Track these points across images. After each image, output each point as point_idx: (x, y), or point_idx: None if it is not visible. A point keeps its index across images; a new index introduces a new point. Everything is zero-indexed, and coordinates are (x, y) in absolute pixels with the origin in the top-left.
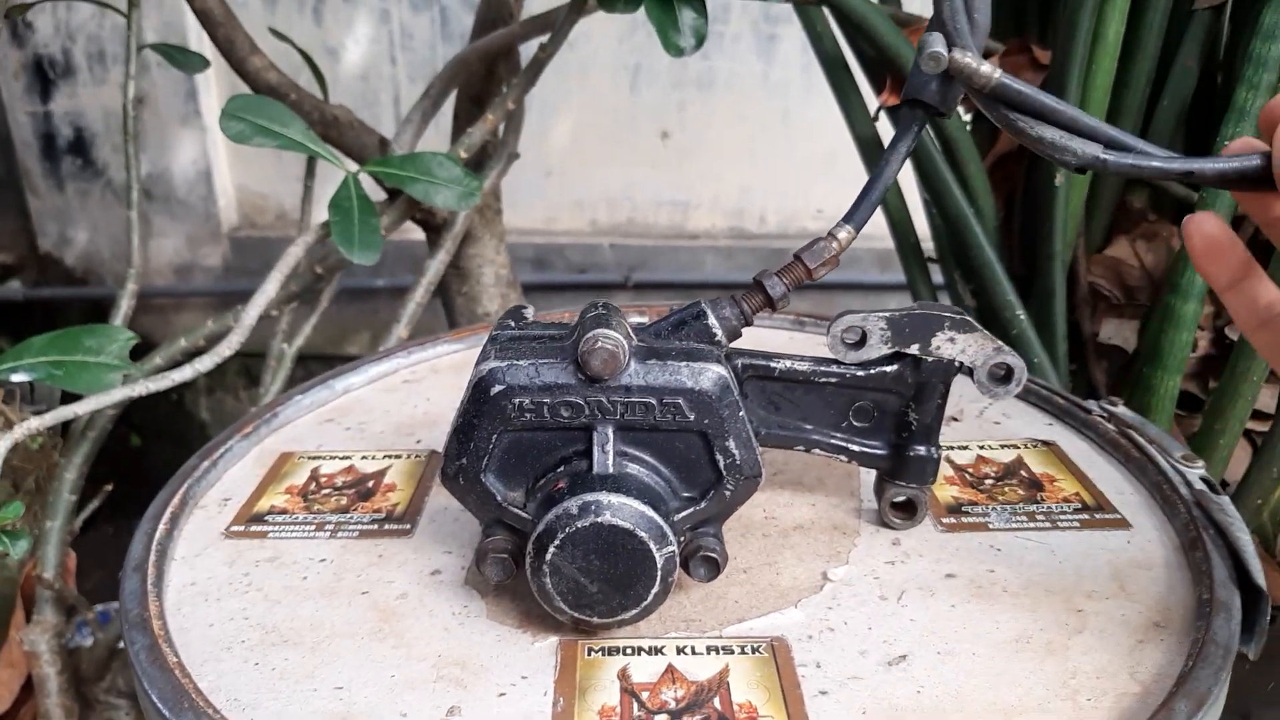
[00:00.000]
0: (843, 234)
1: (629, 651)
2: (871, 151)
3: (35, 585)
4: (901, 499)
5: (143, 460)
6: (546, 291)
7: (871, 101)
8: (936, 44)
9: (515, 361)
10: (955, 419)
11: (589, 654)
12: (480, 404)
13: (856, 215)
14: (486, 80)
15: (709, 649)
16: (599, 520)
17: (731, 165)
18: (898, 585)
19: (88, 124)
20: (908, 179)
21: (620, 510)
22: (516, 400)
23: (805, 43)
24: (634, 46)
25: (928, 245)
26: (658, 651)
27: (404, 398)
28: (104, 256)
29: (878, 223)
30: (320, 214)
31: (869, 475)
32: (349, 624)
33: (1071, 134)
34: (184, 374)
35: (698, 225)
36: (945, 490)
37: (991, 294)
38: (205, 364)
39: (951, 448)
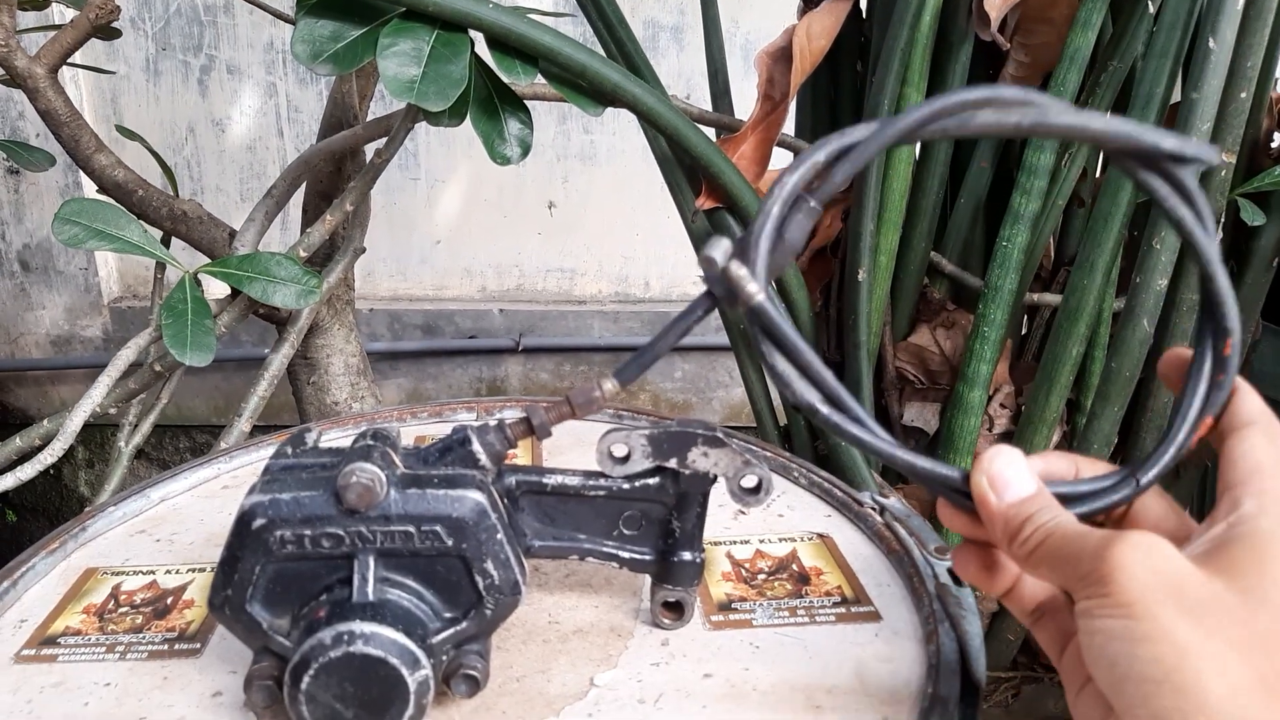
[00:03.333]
0: (608, 385)
1: None
2: (701, 242)
3: None
4: (670, 600)
5: (19, 537)
6: (437, 358)
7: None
8: (716, 249)
9: (277, 495)
10: (743, 512)
11: None
12: (243, 537)
13: (624, 372)
14: (334, 177)
15: None
16: (351, 650)
17: (615, 234)
18: (658, 688)
19: None
20: None
21: (373, 639)
22: (278, 533)
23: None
24: None
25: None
26: None
27: (221, 504)
28: None
29: None
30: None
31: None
32: None
33: (801, 376)
34: (5, 482)
35: (584, 291)
36: (720, 587)
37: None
38: (27, 472)
39: (734, 542)
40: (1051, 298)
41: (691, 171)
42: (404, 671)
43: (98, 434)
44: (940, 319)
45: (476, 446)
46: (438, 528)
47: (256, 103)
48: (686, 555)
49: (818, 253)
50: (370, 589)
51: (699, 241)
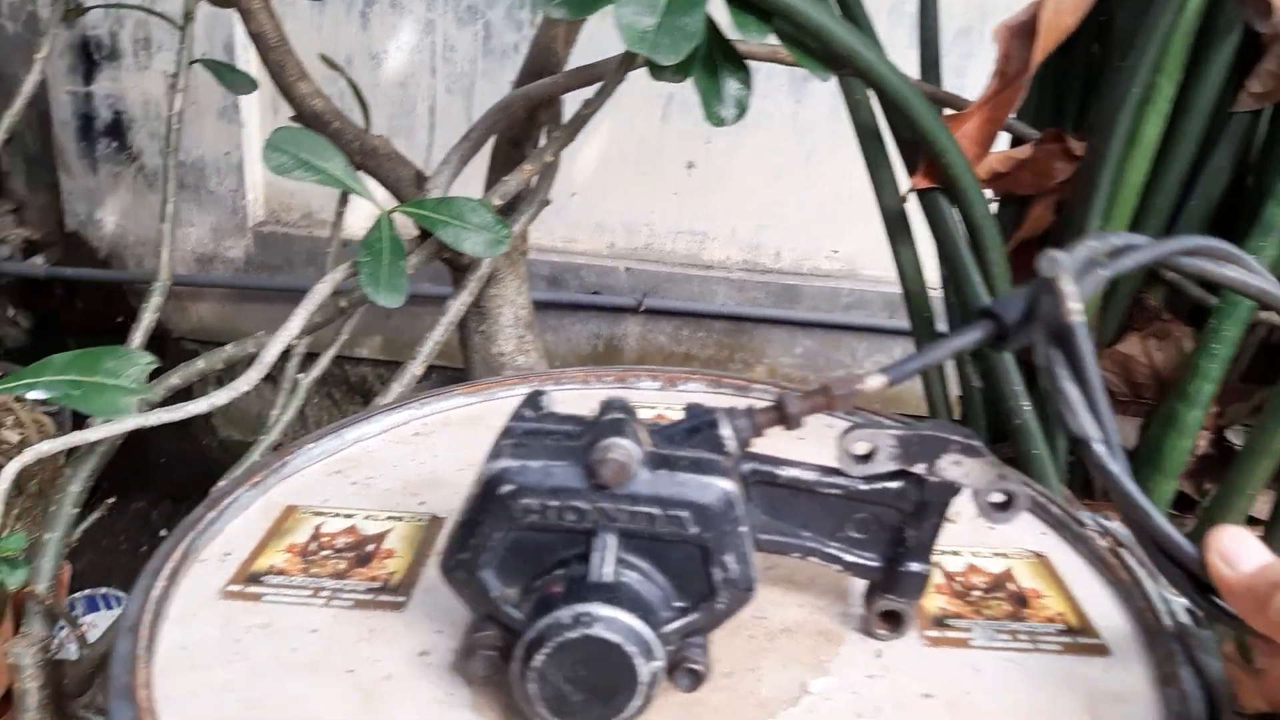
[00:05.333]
0: (873, 381)
1: None
2: (895, 224)
3: (23, 598)
4: (891, 610)
5: (146, 445)
6: (559, 310)
7: (902, 173)
8: (1058, 262)
9: (527, 463)
10: (951, 520)
11: None
12: (487, 502)
13: (894, 371)
14: (527, 124)
15: None
16: (589, 633)
17: (752, 200)
18: (874, 703)
19: (127, 108)
20: (928, 254)
21: (612, 624)
22: (524, 501)
23: (836, 87)
24: None
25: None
26: None
27: (413, 451)
28: (129, 240)
29: (889, 266)
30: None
31: (859, 582)
32: (330, 705)
33: (1087, 407)
34: (199, 407)
35: (713, 256)
36: (934, 600)
37: (999, 380)
38: (221, 398)
39: (944, 552)
40: None
41: (907, 148)
42: (638, 661)
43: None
44: (1153, 329)
45: (726, 431)
46: (683, 513)
47: (413, 39)
48: (915, 566)
49: (1023, 244)
50: (609, 569)
51: (893, 223)
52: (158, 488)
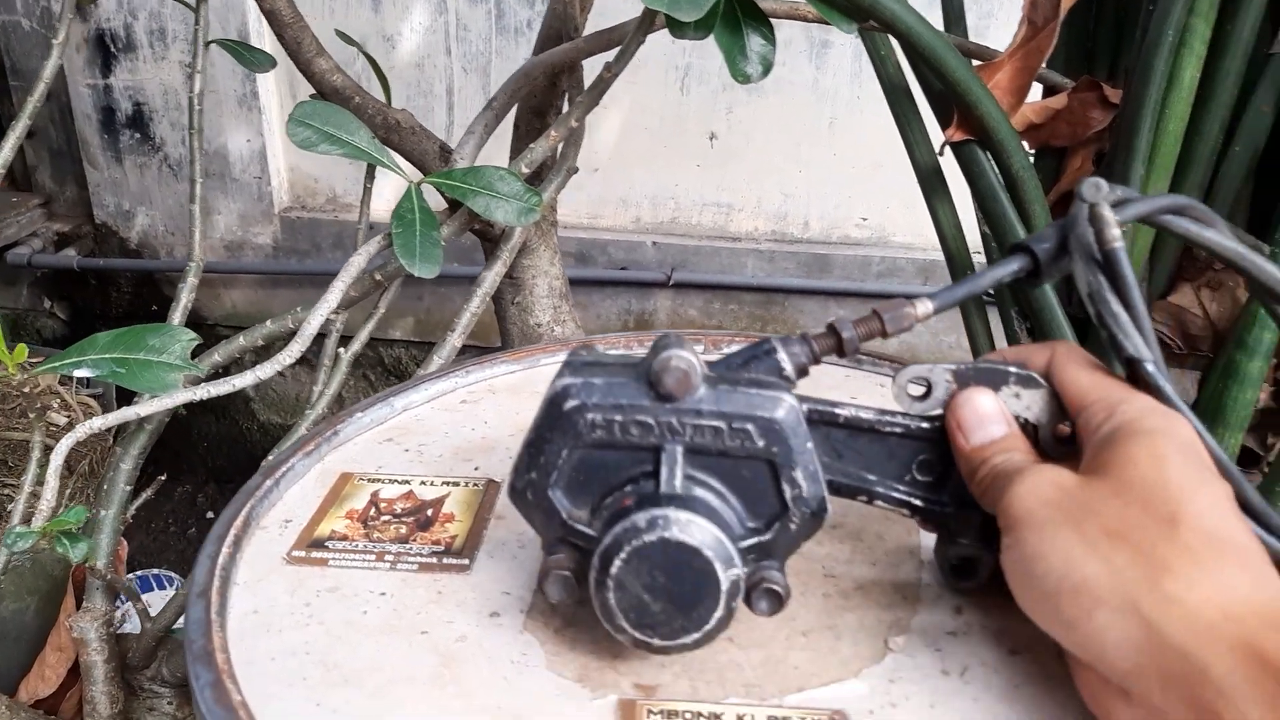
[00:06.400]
0: (922, 307)
1: (688, 716)
2: (930, 181)
3: (86, 573)
4: (963, 558)
5: (188, 431)
6: (588, 287)
7: (933, 128)
8: (1100, 188)
9: (590, 379)
10: None
11: (648, 716)
12: (553, 419)
13: (940, 297)
14: (549, 92)
15: (769, 718)
16: (666, 535)
17: (777, 170)
18: (960, 660)
19: (147, 99)
20: (967, 210)
21: (688, 527)
22: (589, 416)
23: (857, 51)
24: (685, 48)
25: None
26: (717, 718)
27: (462, 419)
28: (159, 230)
29: (920, 232)
30: (375, 208)
31: (929, 536)
32: (409, 666)
33: (1136, 329)
34: (245, 380)
35: (740, 228)
36: None
37: (1048, 336)
38: (266, 371)
39: None
40: None
41: (938, 102)
42: (718, 566)
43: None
44: (1205, 278)
45: (783, 357)
46: (749, 426)
47: (426, 20)
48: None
49: (1063, 197)
50: (678, 481)
51: (928, 181)
52: (201, 472)
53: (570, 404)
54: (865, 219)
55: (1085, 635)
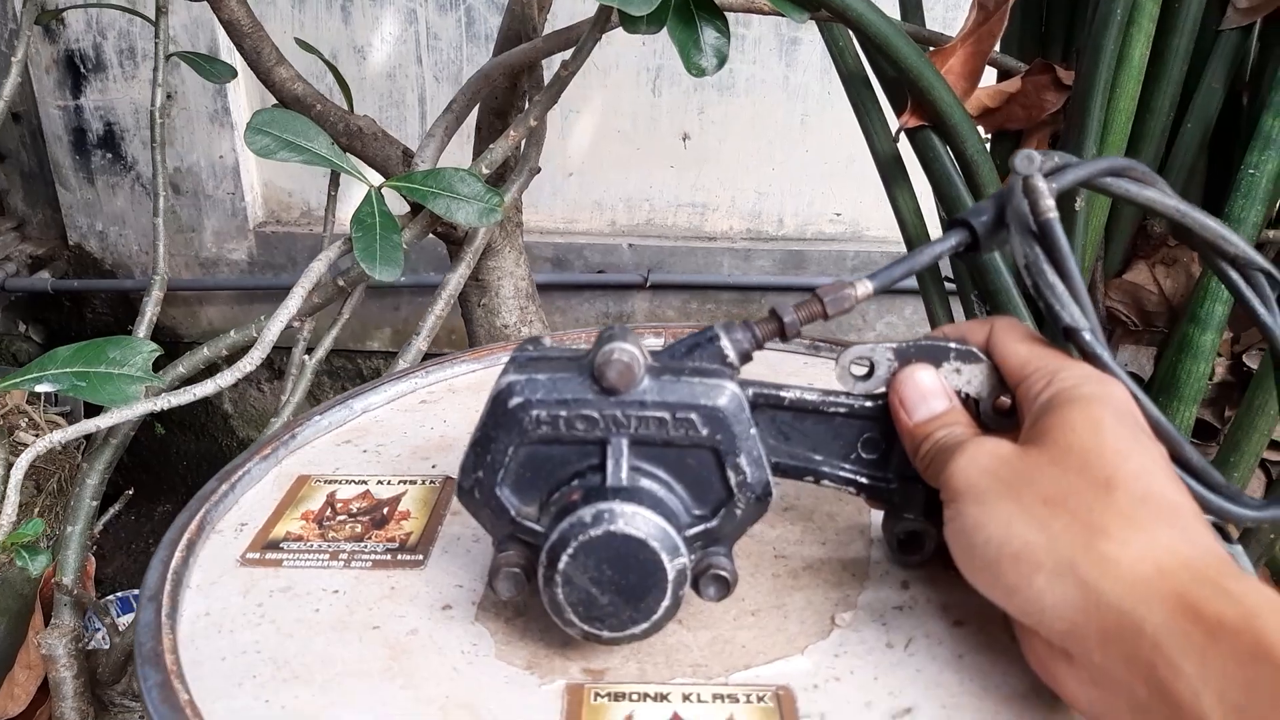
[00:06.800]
0: (861, 288)
1: (635, 698)
2: (890, 169)
3: (54, 590)
4: (909, 533)
5: (167, 450)
6: (565, 291)
7: (892, 118)
8: (1029, 159)
9: (534, 375)
10: None
11: (595, 699)
12: (498, 417)
13: (879, 276)
14: (509, 93)
15: (714, 696)
16: (612, 529)
17: (750, 168)
18: (905, 632)
19: (118, 119)
20: (927, 198)
21: (634, 519)
22: (534, 413)
23: (826, 47)
24: (655, 49)
25: (945, 266)
26: (663, 698)
27: (421, 419)
28: (132, 249)
29: (893, 225)
30: (344, 217)
31: (879, 515)
32: (360, 661)
33: (1073, 300)
34: (206, 389)
35: (715, 227)
36: None
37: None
38: (227, 379)
39: None
40: None
41: (892, 89)
42: (664, 557)
43: (238, 357)
44: (1160, 255)
45: (725, 344)
46: (693, 415)
47: (397, 30)
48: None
49: None
50: (624, 474)
51: (886, 168)
52: (182, 491)
53: (515, 401)
54: (839, 214)
55: (1026, 600)
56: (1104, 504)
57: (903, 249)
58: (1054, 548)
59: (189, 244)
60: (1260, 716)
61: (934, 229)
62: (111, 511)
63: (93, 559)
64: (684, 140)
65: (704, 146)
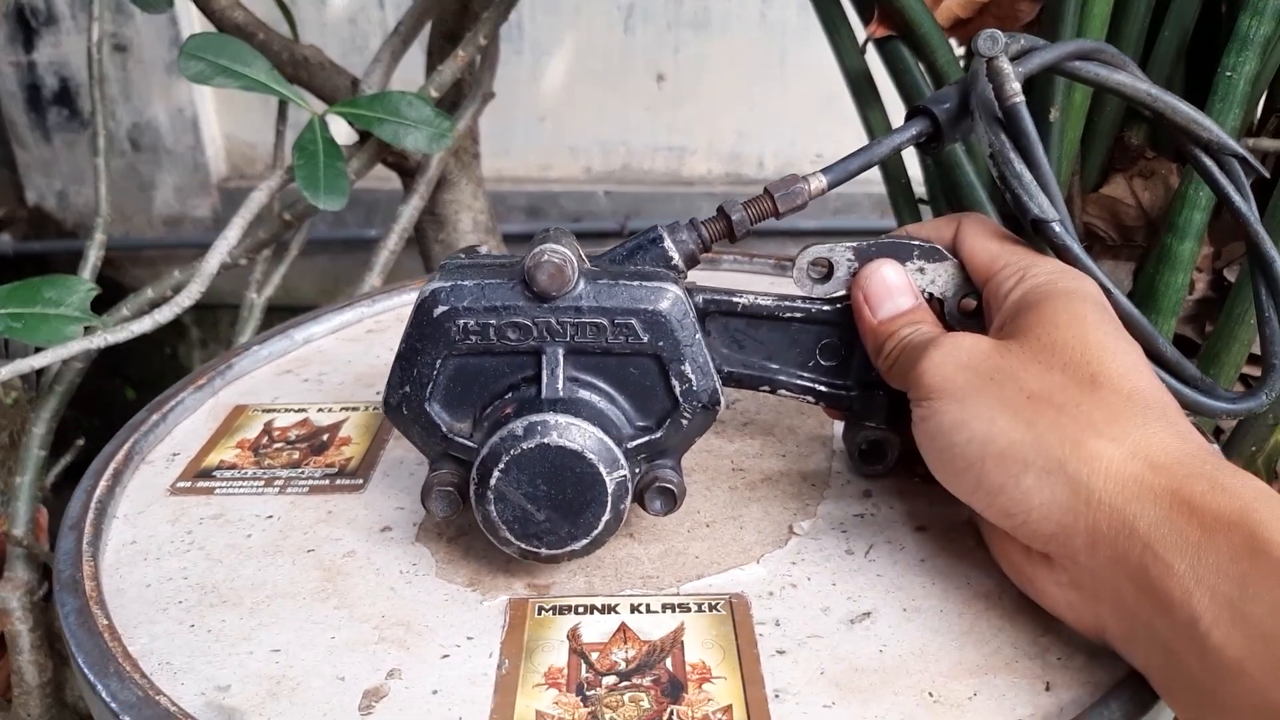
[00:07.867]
0: (815, 183)
1: (580, 610)
2: (860, 87)
3: (6, 543)
4: (871, 442)
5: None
6: None
7: (860, 34)
8: (992, 39)
9: (460, 282)
10: None
11: (539, 613)
12: (423, 326)
13: (834, 170)
14: (460, 16)
15: (664, 607)
16: (545, 442)
17: (728, 109)
18: (865, 539)
19: (72, 73)
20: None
21: (568, 431)
22: (461, 322)
23: None
24: None
25: (920, 186)
26: (611, 610)
27: (366, 347)
28: (92, 208)
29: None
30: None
31: (840, 426)
32: (292, 584)
33: (1041, 189)
34: (143, 325)
35: (694, 171)
36: None
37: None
38: (165, 314)
39: None
40: (1272, 143)
41: (856, 2)
42: (601, 469)
43: (210, 315)
44: (1138, 168)
45: (669, 245)
46: (633, 321)
47: None
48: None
49: None
50: (560, 385)
51: (857, 86)
52: None
53: (440, 310)
54: (820, 155)
55: (1011, 501)
56: (1092, 401)
57: (883, 189)
58: (1042, 446)
59: (150, 201)
60: (1252, 611)
61: (908, 156)
62: (64, 462)
63: (45, 510)
64: (659, 81)
65: (680, 87)
